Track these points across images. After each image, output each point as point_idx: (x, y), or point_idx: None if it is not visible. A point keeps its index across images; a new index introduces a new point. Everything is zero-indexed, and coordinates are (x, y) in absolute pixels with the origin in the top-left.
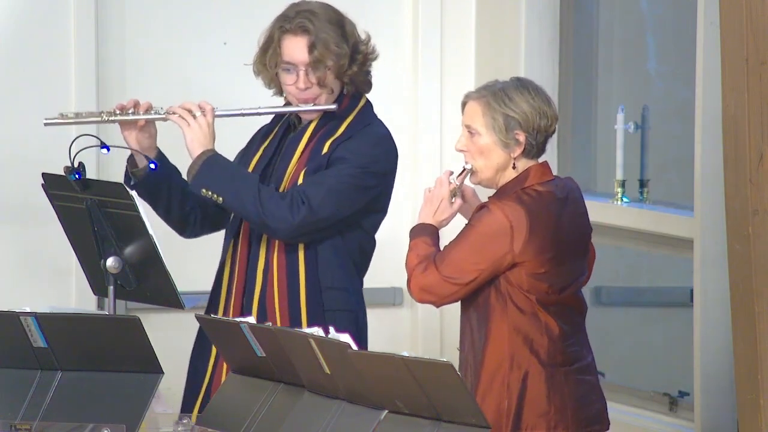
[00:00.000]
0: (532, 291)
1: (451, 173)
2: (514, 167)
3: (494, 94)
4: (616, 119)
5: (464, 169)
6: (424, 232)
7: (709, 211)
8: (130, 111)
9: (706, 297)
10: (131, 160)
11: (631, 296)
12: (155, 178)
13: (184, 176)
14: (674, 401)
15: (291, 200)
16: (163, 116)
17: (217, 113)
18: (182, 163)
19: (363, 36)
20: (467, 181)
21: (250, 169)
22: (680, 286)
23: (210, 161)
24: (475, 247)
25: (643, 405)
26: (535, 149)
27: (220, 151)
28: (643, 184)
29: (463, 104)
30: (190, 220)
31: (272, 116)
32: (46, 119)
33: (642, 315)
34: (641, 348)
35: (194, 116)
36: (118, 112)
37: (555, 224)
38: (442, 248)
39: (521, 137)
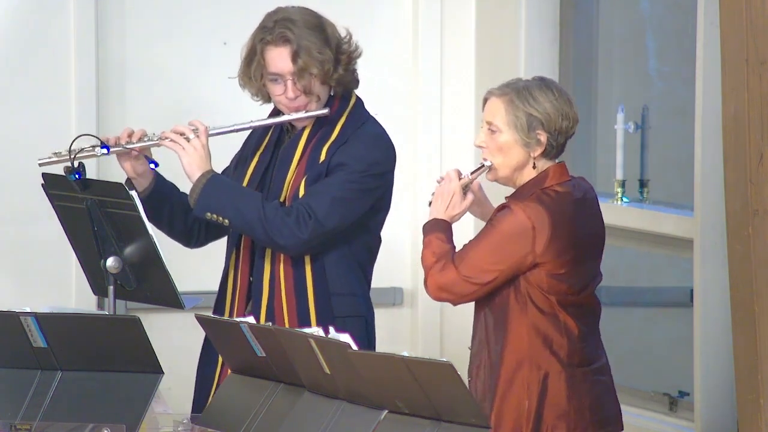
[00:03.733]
0: (552, 291)
1: (460, 172)
2: (534, 167)
3: (518, 92)
4: (616, 119)
5: (482, 165)
6: (437, 228)
7: (709, 211)
8: (124, 142)
9: (706, 297)
10: (128, 184)
11: (631, 296)
12: (155, 200)
13: (183, 191)
14: (674, 401)
15: (297, 216)
16: (157, 142)
17: (210, 132)
18: (181, 182)
19: (344, 34)
20: (482, 177)
21: (246, 179)
22: (680, 286)
23: (210, 184)
24: (496, 247)
25: (643, 405)
26: (554, 150)
27: (213, 162)
28: (643, 184)
29: (485, 100)
30: (194, 232)
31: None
32: (39, 160)
33: (642, 315)
34: (641, 348)
35: (188, 139)
36: (112, 144)
37: (574, 225)
38: (457, 245)
39: (543, 137)
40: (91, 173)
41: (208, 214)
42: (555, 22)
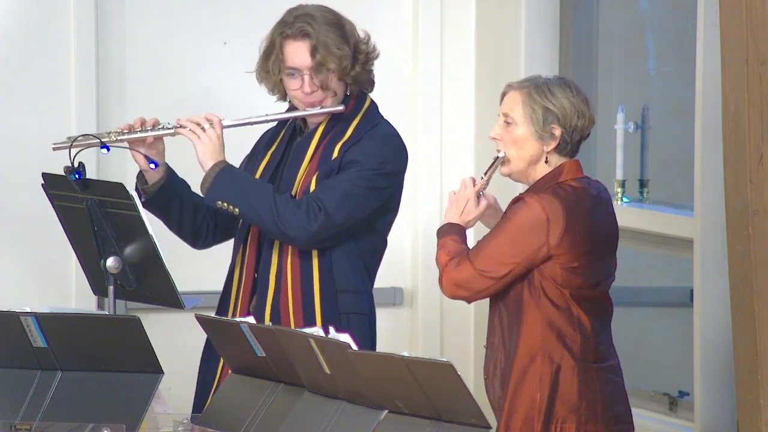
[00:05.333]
0: (566, 285)
1: (474, 179)
2: (546, 161)
3: (537, 87)
4: (616, 119)
5: (496, 158)
6: (452, 231)
7: (709, 211)
8: (137, 129)
9: (706, 297)
10: (141, 177)
11: (631, 296)
12: (167, 194)
13: (194, 189)
14: (674, 401)
15: (307, 208)
16: (172, 131)
17: (225, 124)
18: (190, 176)
19: (362, 35)
20: (496, 174)
21: (257, 176)
22: (680, 286)
23: (223, 173)
24: (512, 239)
25: (643, 405)
26: (569, 147)
27: (227, 158)
28: (643, 184)
29: (503, 94)
30: (202, 232)
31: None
32: (54, 144)
33: (642, 315)
34: (641, 348)
35: (203, 129)
36: (126, 131)
37: (590, 219)
38: (471, 245)
39: (557, 131)
40: (91, 173)
41: (219, 202)
42: (555, 22)
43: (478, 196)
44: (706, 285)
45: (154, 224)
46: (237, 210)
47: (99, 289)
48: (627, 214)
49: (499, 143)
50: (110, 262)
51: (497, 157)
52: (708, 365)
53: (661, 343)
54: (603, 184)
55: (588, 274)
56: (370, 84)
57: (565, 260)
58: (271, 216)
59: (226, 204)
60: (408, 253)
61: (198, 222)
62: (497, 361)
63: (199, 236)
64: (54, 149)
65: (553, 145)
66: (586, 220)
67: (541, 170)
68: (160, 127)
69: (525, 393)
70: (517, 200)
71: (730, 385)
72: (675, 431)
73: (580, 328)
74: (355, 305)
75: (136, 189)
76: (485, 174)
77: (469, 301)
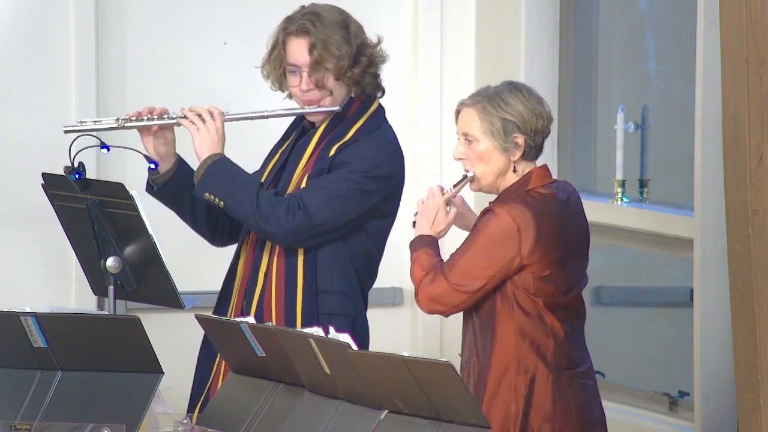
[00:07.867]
0: (539, 294)
1: (442, 188)
2: (514, 171)
3: (489, 99)
4: (616, 119)
5: (464, 177)
6: (424, 244)
7: (709, 211)
8: (145, 117)
9: (706, 297)
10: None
11: (631, 296)
12: (176, 184)
13: None
14: (674, 401)
15: (287, 206)
16: (175, 121)
17: (226, 117)
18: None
19: (374, 39)
20: (467, 189)
21: (265, 175)
22: (680, 286)
23: (214, 165)
24: (484, 252)
25: (643, 405)
26: (533, 151)
27: (234, 155)
28: (643, 184)
29: (457, 112)
30: (218, 228)
31: (291, 119)
32: (65, 127)
33: (642, 315)
34: (641, 348)
35: (203, 120)
36: (133, 118)
37: (560, 226)
38: (445, 257)
39: (520, 140)
40: (91, 173)
41: (207, 194)
42: (555, 22)
43: (447, 204)
44: (706, 285)
45: (154, 224)
46: (222, 203)
47: (99, 289)
48: (627, 214)
49: (465, 162)
50: (110, 262)
51: (465, 176)
52: (708, 365)
53: (661, 343)
54: (572, 186)
55: (560, 281)
56: (376, 88)
57: (538, 269)
58: (252, 210)
59: (212, 197)
60: (407, 253)
61: (213, 217)
62: (471, 370)
63: (215, 232)
64: (65, 132)
65: (519, 154)
66: (555, 226)
67: (510, 179)
68: (166, 116)
69: (500, 404)
70: (486, 212)
71: (730, 385)
72: (675, 431)
73: (553, 335)
74: (337, 307)
75: (147, 182)
76: (454, 187)
77: (446, 315)
